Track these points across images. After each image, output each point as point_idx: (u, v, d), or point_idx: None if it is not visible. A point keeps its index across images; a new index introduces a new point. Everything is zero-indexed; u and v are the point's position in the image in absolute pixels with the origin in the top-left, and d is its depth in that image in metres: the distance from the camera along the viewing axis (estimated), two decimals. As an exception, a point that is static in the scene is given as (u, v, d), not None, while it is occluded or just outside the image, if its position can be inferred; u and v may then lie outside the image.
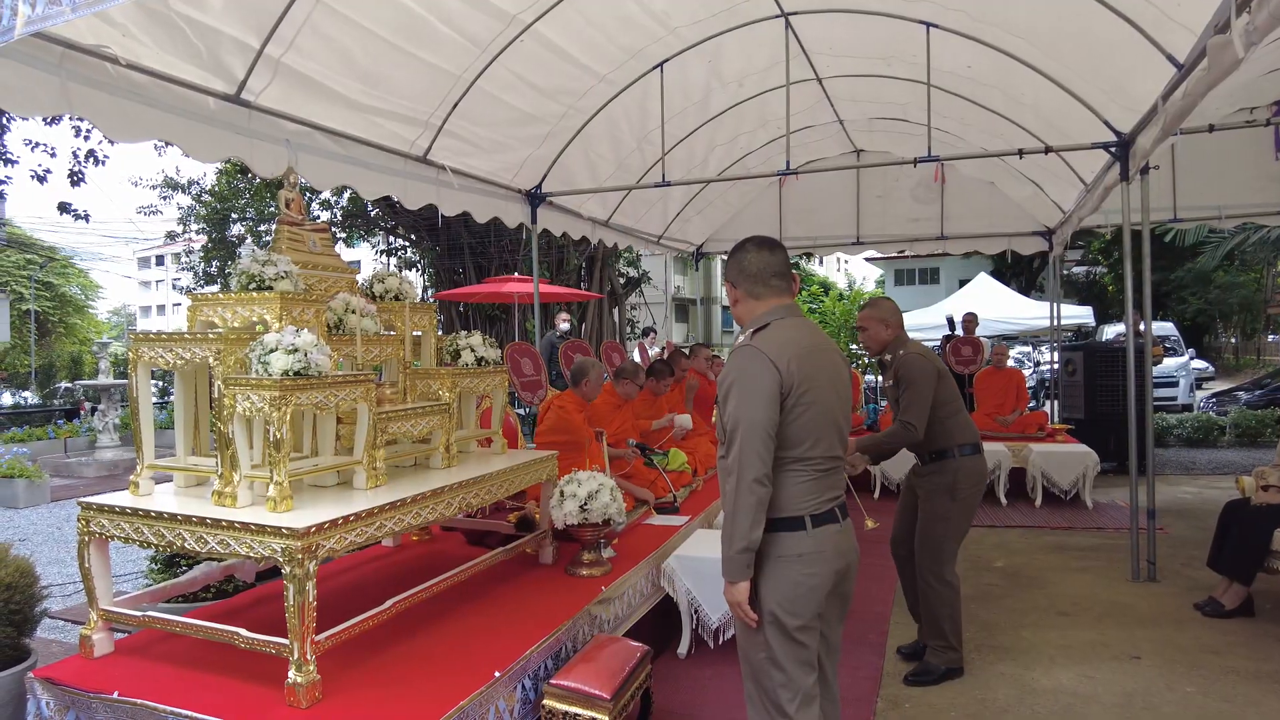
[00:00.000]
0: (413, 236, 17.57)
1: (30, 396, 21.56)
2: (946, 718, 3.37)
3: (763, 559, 2.22)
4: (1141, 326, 5.65)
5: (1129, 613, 4.53)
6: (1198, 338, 25.89)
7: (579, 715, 2.66)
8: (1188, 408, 14.54)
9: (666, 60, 6.00)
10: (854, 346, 17.65)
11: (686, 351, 7.62)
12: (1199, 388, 17.33)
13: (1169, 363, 15.24)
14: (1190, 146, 7.18)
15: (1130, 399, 5.31)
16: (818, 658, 2.32)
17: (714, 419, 2.48)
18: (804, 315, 2.40)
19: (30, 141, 15.50)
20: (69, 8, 1.92)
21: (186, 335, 2.80)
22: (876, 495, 7.75)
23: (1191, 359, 16.78)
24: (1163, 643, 4.08)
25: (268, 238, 17.09)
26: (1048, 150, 5.56)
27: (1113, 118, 5.22)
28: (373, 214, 16.99)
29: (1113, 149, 5.26)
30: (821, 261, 40.45)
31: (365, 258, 24.84)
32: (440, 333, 3.98)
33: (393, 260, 18.73)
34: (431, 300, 15.31)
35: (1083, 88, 5.28)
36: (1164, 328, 16.77)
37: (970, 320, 9.76)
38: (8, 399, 20.66)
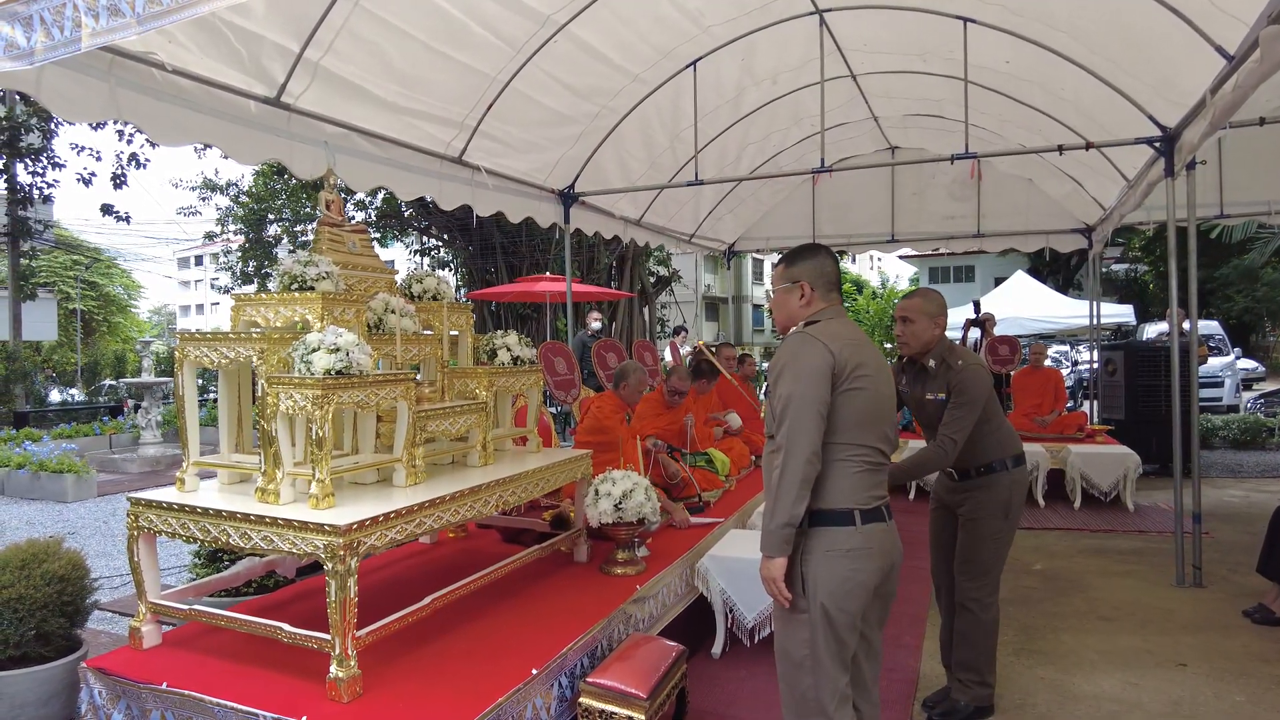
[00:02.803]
0: (445, 236, 17.75)
1: (77, 394, 22.15)
2: (985, 722, 3.33)
3: (811, 553, 2.24)
4: (1186, 325, 5.52)
5: (1173, 618, 4.43)
6: (1244, 336, 25.20)
7: (615, 714, 2.66)
8: (1233, 408, 14.16)
9: (699, 59, 5.98)
10: (888, 345, 17.49)
11: (713, 349, 7.60)
12: (1247, 388, 16.88)
13: (1214, 362, 14.85)
14: (1239, 140, 6.99)
15: (1174, 399, 5.18)
16: (856, 660, 2.32)
17: (763, 412, 2.48)
18: (845, 316, 2.47)
19: (76, 145, 15.95)
20: (134, 20, 1.96)
21: (231, 335, 2.86)
22: (912, 496, 7.66)
23: (1238, 358, 16.34)
24: (1209, 650, 3.98)
25: (303, 238, 17.40)
26: (1088, 146, 5.45)
27: (1157, 112, 5.10)
28: (407, 214, 17.19)
29: (1157, 144, 5.14)
30: (855, 260, 40.09)
31: (399, 258, 25.14)
32: (474, 332, 4.02)
33: (426, 260, 18.94)
34: (465, 300, 15.45)
35: (1126, 82, 5.17)
36: (1209, 326, 16.33)
37: (988, 320, 9.61)
38: (55, 396, 21.25)
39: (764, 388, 2.41)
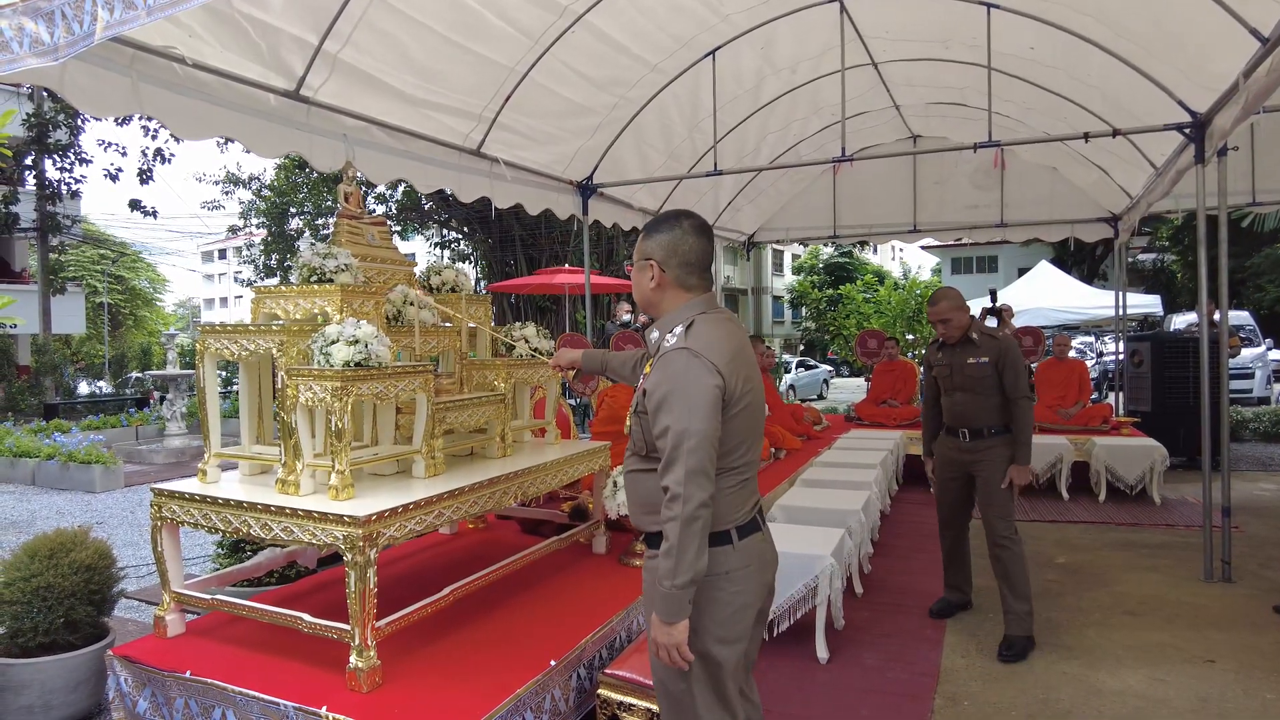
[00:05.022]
0: (465, 229, 17.80)
1: (104, 386, 22.53)
2: (1007, 717, 3.29)
3: None
4: (1217, 316, 5.41)
5: (1202, 614, 4.35)
6: (1275, 327, 24.69)
7: (633, 705, 2.66)
8: (1264, 401, 13.90)
9: (718, 48, 5.93)
10: (910, 336, 17.37)
11: None
12: (1278, 380, 16.55)
13: (1245, 353, 14.58)
14: (1272, 126, 6.83)
15: (1204, 390, 5.08)
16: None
17: (626, 428, 2.17)
18: (720, 307, 2.11)
19: (103, 141, 16.15)
20: (144, 11, 1.98)
21: (251, 327, 2.87)
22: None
23: (1269, 349, 16.02)
24: (1239, 646, 3.91)
25: (325, 231, 17.52)
26: (1115, 133, 5.33)
27: (1187, 97, 4.99)
28: (426, 207, 17.26)
29: (1187, 130, 5.03)
30: (876, 250, 39.79)
31: (419, 251, 25.28)
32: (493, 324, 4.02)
33: (446, 253, 19.02)
34: (484, 292, 15.50)
35: (1154, 66, 5.06)
36: (1239, 317, 16.02)
37: (1005, 310, 9.51)
38: (84, 388, 21.62)
39: (635, 401, 2.10)
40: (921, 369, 12.94)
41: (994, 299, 10.04)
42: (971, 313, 4.09)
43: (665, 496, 1.88)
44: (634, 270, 2.15)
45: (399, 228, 18.12)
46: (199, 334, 3.01)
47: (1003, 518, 3.97)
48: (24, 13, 2.43)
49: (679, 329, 2.00)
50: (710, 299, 2.09)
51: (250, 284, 19.83)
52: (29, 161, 16.57)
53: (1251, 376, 14.65)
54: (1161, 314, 18.18)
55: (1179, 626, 4.18)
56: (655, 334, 2.08)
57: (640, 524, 2.12)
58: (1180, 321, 16.56)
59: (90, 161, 17.00)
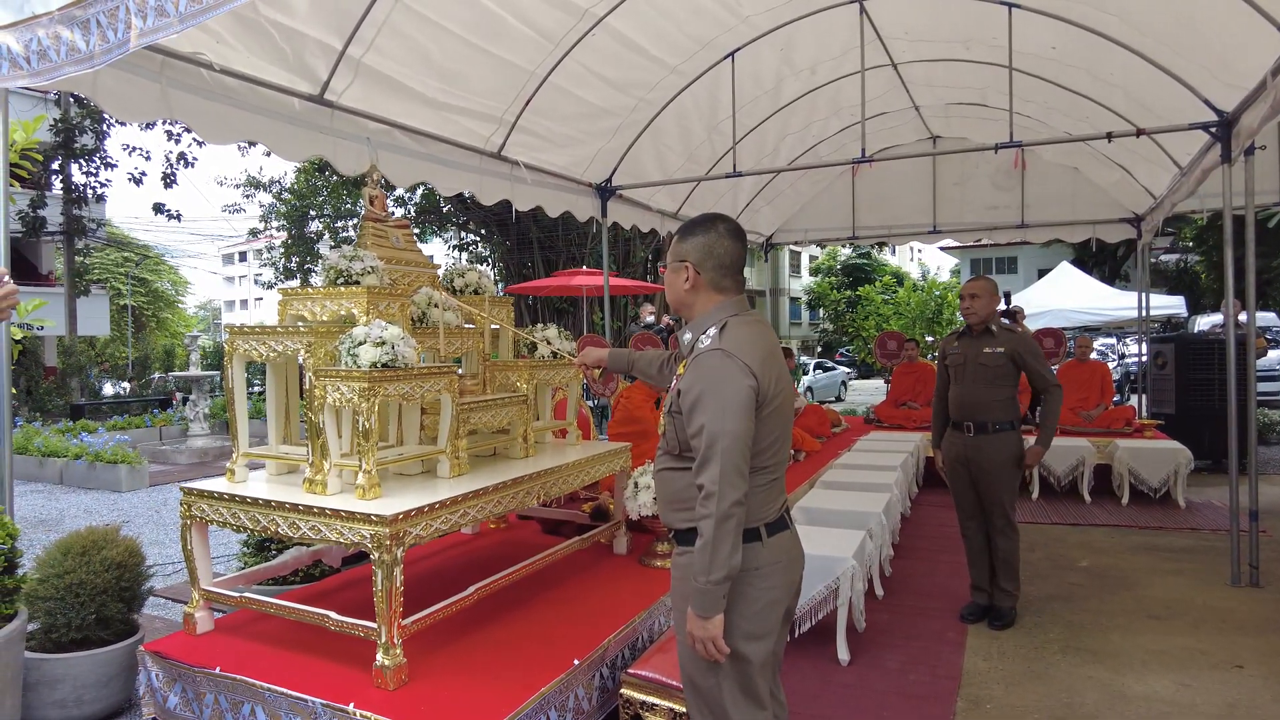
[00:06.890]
0: (483, 232, 17.90)
1: (128, 387, 22.81)
2: (1031, 721, 3.27)
3: None
4: (1243, 317, 5.34)
5: (1229, 619, 4.30)
6: (1302, 329, 24.26)
7: (656, 705, 2.67)
8: (1291, 403, 13.66)
9: (738, 49, 5.94)
10: (930, 338, 17.27)
11: None
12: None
13: (1271, 355, 14.35)
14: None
15: (1230, 392, 5.02)
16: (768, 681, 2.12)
17: (660, 428, 2.18)
18: (750, 309, 2.15)
19: (127, 146, 16.36)
20: (176, 19, 2.03)
21: (279, 329, 2.91)
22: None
23: (1295, 351, 15.75)
24: (1268, 652, 3.86)
25: (344, 234, 17.67)
26: (1139, 133, 5.28)
27: (1213, 95, 4.93)
28: (445, 210, 17.38)
29: (1213, 129, 4.97)
30: (894, 251, 39.59)
31: (438, 253, 25.46)
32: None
33: (464, 255, 19.13)
34: (502, 294, 15.56)
35: (1179, 64, 5.01)
36: (1266, 318, 15.79)
37: (1019, 313, 9.47)
38: (109, 389, 21.91)
39: (669, 401, 2.12)
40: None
41: (1008, 301, 9.99)
42: (998, 305, 4.26)
43: (700, 494, 1.92)
44: (668, 271, 2.18)
45: (418, 230, 18.25)
46: (228, 335, 3.06)
47: (1000, 510, 4.14)
48: (60, 21, 2.49)
49: (713, 330, 2.03)
50: (742, 301, 2.13)
51: (271, 286, 20.03)
52: (56, 166, 16.85)
53: (1278, 379, 14.42)
54: (1185, 315, 17.95)
55: (1206, 631, 4.13)
56: (688, 335, 2.12)
57: (669, 521, 2.15)
58: (1204, 323, 16.34)
59: (115, 166, 17.26)
